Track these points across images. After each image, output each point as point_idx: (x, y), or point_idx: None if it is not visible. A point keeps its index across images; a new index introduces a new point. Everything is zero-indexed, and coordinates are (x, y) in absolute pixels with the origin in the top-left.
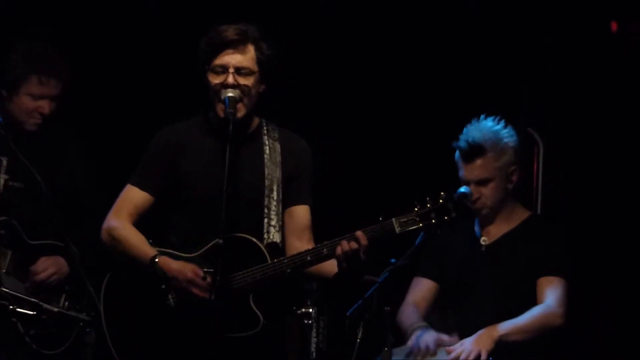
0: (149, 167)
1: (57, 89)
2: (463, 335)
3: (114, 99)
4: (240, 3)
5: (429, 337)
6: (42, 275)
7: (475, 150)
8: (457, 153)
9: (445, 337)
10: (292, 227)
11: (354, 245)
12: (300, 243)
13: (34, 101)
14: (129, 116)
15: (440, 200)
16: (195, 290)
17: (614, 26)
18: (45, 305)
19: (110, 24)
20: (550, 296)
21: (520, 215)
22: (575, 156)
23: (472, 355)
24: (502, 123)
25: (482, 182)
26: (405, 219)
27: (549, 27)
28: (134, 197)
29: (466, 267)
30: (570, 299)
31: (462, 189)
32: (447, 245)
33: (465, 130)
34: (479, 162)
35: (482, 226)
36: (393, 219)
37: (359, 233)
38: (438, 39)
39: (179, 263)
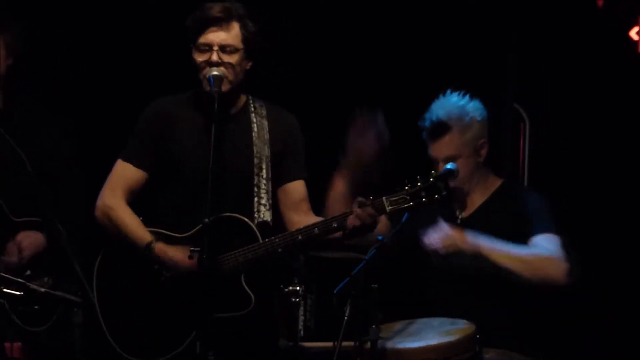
0: (140, 142)
1: None
2: (447, 310)
3: (97, 78)
4: None
5: None
6: (15, 258)
7: (440, 128)
8: (424, 132)
9: None
10: (288, 203)
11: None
12: (298, 217)
13: None
14: (113, 93)
15: (431, 179)
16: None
17: (599, 1)
18: (32, 286)
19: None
20: (550, 247)
21: (492, 184)
22: (561, 132)
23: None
24: (467, 97)
25: (449, 159)
26: (395, 198)
27: (535, 2)
28: (127, 173)
29: None
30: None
31: (449, 166)
32: (425, 226)
33: (430, 107)
34: (444, 139)
35: (457, 200)
36: (383, 198)
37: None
38: (423, 16)
39: (175, 251)
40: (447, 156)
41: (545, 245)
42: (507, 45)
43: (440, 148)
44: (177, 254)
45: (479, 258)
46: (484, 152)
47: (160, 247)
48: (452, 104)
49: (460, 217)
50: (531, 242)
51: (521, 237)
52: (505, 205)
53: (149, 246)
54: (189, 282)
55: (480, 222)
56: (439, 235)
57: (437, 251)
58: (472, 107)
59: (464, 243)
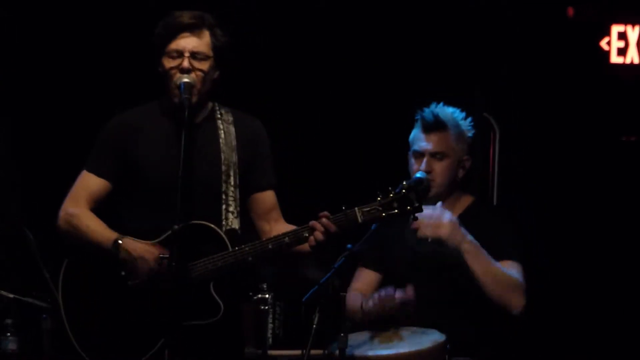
0: (104, 153)
1: None
2: (416, 321)
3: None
4: None
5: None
6: None
7: (439, 123)
8: (416, 126)
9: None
10: (259, 212)
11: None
12: (269, 225)
13: None
14: (76, 103)
15: (403, 190)
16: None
17: (570, 11)
18: (2, 292)
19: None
20: (516, 275)
21: (464, 202)
22: (531, 141)
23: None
24: (463, 114)
25: (437, 155)
26: (368, 209)
27: (506, 12)
28: (90, 184)
29: (413, 259)
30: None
31: (418, 174)
32: (394, 237)
33: (427, 108)
34: (440, 134)
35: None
36: (356, 209)
37: (325, 221)
38: (395, 24)
39: (144, 243)
40: (437, 151)
41: (511, 273)
42: (477, 54)
43: (433, 141)
44: (145, 249)
45: (449, 251)
46: (466, 166)
47: (127, 242)
48: (450, 112)
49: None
50: None
51: None
52: (474, 226)
53: (115, 243)
54: (157, 289)
55: None
56: (434, 220)
57: (423, 233)
58: (467, 123)
59: (452, 237)
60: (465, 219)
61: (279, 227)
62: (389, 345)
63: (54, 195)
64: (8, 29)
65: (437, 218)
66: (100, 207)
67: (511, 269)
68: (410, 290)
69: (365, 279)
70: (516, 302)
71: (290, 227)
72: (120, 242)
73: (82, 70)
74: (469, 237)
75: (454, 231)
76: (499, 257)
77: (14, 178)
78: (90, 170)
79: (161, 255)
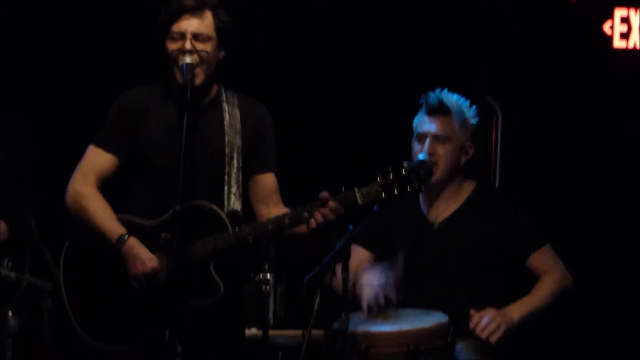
0: (113, 128)
1: None
2: (418, 304)
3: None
4: None
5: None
6: None
7: (443, 107)
8: (421, 110)
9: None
10: (258, 195)
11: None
12: (268, 209)
13: None
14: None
15: (403, 172)
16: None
17: None
18: (4, 271)
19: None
20: (549, 266)
21: (466, 189)
22: (533, 125)
23: (493, 327)
24: (468, 101)
25: (440, 139)
26: (367, 190)
27: None
28: (99, 159)
29: (417, 247)
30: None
31: (420, 156)
32: (394, 221)
33: (432, 93)
34: (443, 118)
35: (429, 201)
36: (355, 189)
37: (327, 199)
38: (398, 10)
39: (145, 251)
40: (440, 135)
41: (545, 267)
42: (479, 39)
43: (436, 125)
44: (146, 254)
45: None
46: (469, 153)
47: (131, 243)
48: (456, 99)
49: (433, 222)
50: (529, 263)
51: (494, 247)
52: (479, 213)
53: (121, 239)
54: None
55: (454, 230)
56: (487, 326)
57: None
58: (472, 112)
59: (508, 324)
60: (469, 207)
61: (278, 211)
62: (391, 322)
63: (54, 177)
64: (8, 26)
65: (495, 326)
66: (107, 185)
67: (544, 261)
68: (398, 267)
69: (356, 257)
70: (569, 288)
71: (289, 211)
72: (125, 238)
73: (81, 59)
74: (516, 316)
75: (506, 320)
76: (529, 250)
77: (18, 166)
78: (99, 145)
79: (162, 235)
